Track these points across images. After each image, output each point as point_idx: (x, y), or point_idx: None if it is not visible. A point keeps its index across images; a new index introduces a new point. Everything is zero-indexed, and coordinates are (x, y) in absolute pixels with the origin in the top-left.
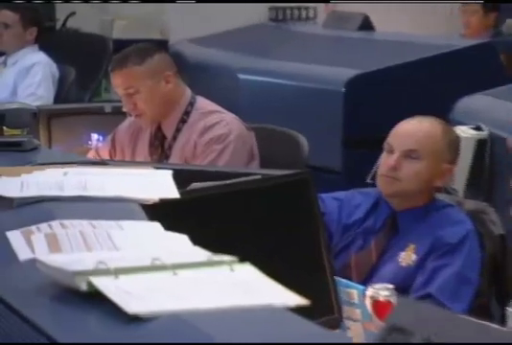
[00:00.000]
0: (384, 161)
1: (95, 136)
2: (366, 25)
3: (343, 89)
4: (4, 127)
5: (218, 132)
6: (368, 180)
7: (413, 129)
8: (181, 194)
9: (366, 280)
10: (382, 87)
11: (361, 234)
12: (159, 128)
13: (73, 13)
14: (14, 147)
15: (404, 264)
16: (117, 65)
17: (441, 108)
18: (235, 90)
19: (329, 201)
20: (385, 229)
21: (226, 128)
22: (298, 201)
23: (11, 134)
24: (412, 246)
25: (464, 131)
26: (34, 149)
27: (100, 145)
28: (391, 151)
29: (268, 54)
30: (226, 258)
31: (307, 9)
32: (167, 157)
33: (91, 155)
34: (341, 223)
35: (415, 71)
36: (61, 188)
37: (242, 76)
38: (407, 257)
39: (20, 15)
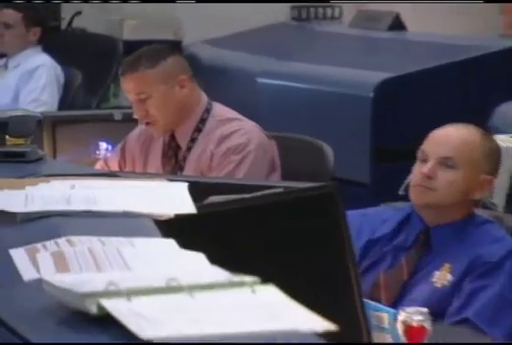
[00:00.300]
0: (418, 170)
1: (103, 145)
2: (397, 24)
3: (372, 94)
4: (6, 136)
5: (236, 142)
6: (400, 192)
7: (450, 136)
8: (198, 208)
9: (397, 302)
10: (414, 92)
11: (391, 251)
12: (173, 137)
13: (79, 12)
14: (18, 157)
15: (438, 284)
16: (128, 68)
17: (479, 115)
18: (254, 95)
19: (352, 219)
20: (417, 245)
21: (245, 137)
22: (323, 217)
23: (13, 144)
24: (448, 266)
25: (504, 140)
26: (39, 159)
27: (109, 155)
28: (425, 160)
29: (290, 56)
30: (247, 278)
31: (332, 7)
32: (181, 169)
33: (99, 166)
34: (362, 240)
35: (451, 74)
36: (69, 202)
37: (261, 80)
38: (442, 277)
39: (23, 15)
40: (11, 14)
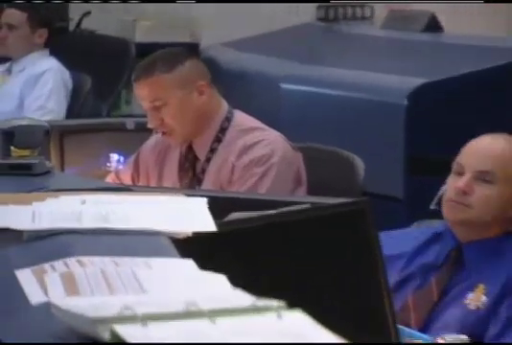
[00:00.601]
0: (452, 184)
1: (115, 157)
2: (433, 25)
3: (406, 102)
4: (11, 147)
5: (259, 153)
6: (432, 206)
7: (486, 148)
8: (218, 226)
9: (427, 325)
10: (451, 99)
11: (420, 270)
12: (190, 148)
13: (89, 13)
14: (24, 170)
15: (472, 307)
16: (142, 73)
17: None
18: (277, 102)
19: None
20: (449, 264)
21: (269, 148)
22: (354, 235)
23: (19, 155)
24: (482, 286)
25: None
26: (47, 172)
27: (121, 167)
28: (461, 173)
29: (316, 59)
30: (273, 303)
31: (362, 7)
32: (199, 182)
33: (111, 179)
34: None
35: (491, 80)
36: (79, 219)
37: (285, 85)
38: (476, 298)
39: (28, 15)
40: (14, 15)
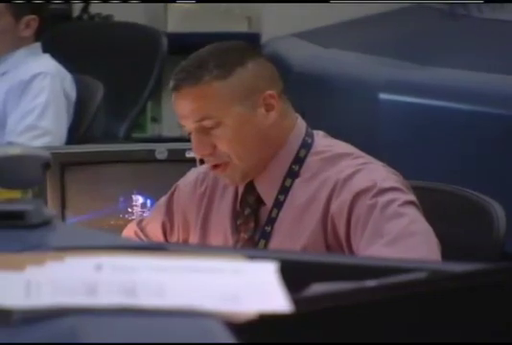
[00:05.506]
0: None
1: (139, 200)
2: None
3: None
4: None
5: (363, 184)
6: None
7: None
8: (295, 304)
9: None
10: None
11: None
12: (251, 187)
13: None
14: (13, 220)
15: None
16: (185, 80)
17: None
18: (374, 119)
19: None
20: None
21: (371, 180)
22: (491, 320)
23: (6, 198)
24: None
25: None
26: (46, 223)
27: (147, 214)
28: None
29: (431, 58)
30: None
31: None
32: (265, 237)
33: (132, 232)
34: None
35: None
36: (93, 291)
37: (386, 95)
38: None
39: None
40: None
